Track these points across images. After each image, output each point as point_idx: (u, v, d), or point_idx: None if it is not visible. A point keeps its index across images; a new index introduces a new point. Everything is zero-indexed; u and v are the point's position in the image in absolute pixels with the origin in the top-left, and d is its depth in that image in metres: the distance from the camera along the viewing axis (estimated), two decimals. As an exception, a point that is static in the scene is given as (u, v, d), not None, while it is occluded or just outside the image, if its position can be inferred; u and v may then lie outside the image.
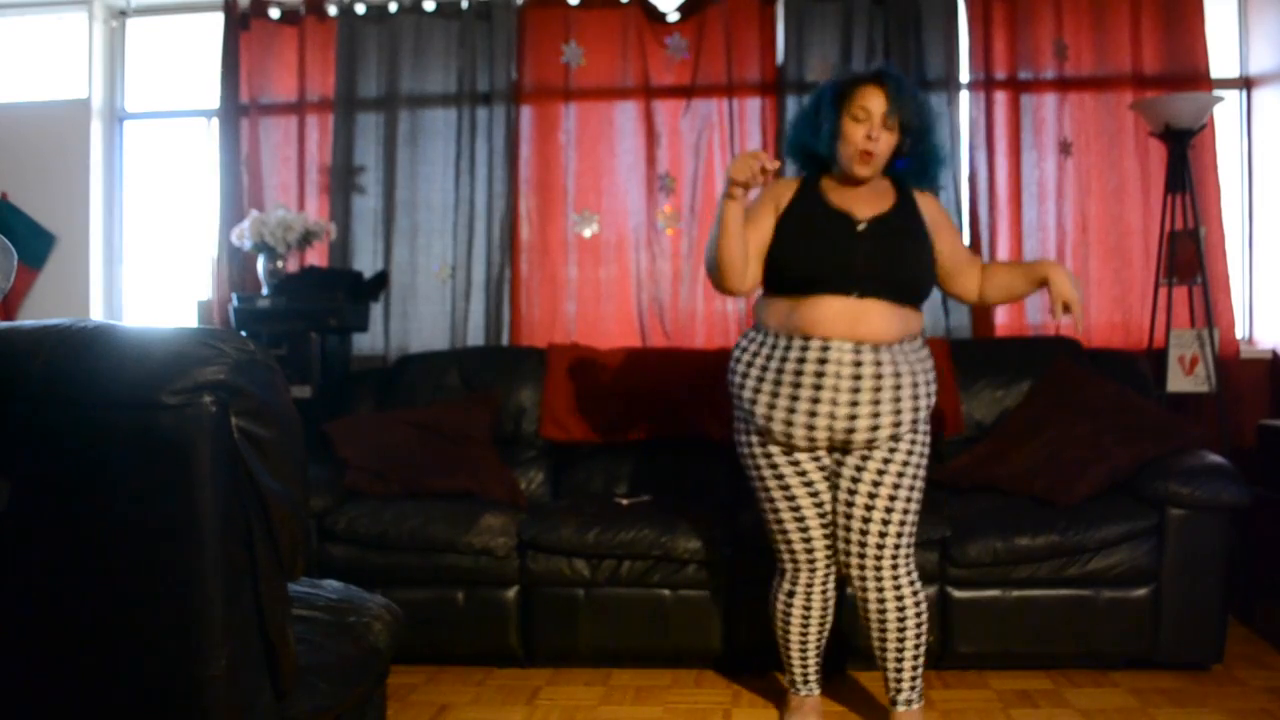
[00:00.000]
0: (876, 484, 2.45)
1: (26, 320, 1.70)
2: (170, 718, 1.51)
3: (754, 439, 2.53)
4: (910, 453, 2.47)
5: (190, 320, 4.29)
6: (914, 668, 2.54)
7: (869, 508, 2.45)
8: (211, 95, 4.47)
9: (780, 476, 2.50)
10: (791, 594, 2.61)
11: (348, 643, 1.86)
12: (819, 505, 2.51)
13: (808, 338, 2.41)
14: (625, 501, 3.43)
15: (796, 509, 2.51)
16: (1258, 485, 3.36)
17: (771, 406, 2.45)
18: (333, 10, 4.36)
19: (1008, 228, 4.12)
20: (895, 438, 2.44)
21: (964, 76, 4.16)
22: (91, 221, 4.50)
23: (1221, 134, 4.11)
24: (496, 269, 4.27)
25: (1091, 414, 3.35)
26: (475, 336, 4.27)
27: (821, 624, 2.63)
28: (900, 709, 2.56)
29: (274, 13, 4.37)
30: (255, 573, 1.56)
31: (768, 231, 2.52)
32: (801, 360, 2.41)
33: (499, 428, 3.79)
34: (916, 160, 2.54)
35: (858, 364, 2.39)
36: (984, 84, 4.11)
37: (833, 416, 2.40)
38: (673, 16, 4.25)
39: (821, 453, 2.49)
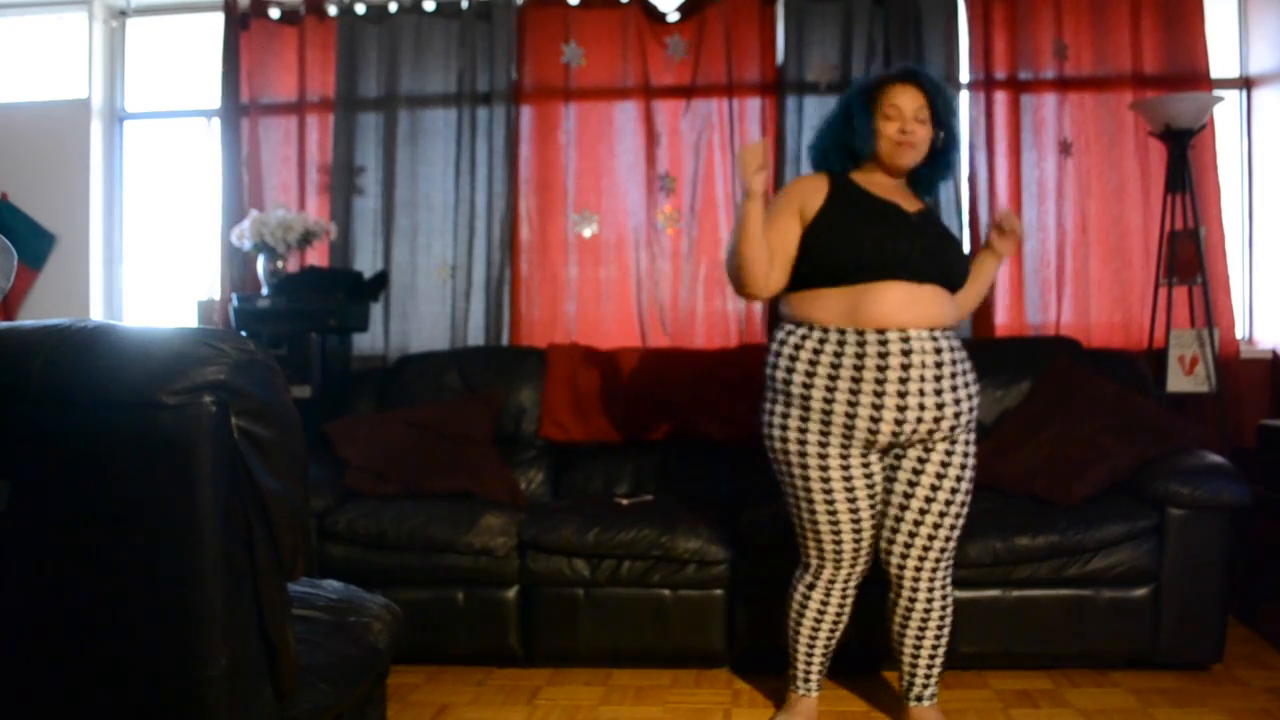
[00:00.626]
0: (938, 481, 2.44)
1: (26, 320, 1.70)
2: (170, 718, 1.51)
3: (805, 433, 2.41)
4: (969, 445, 2.47)
5: (190, 320, 4.29)
6: (929, 665, 2.56)
7: (928, 502, 2.44)
8: (211, 95, 4.47)
9: (825, 471, 2.42)
10: (812, 587, 2.58)
11: (348, 643, 1.86)
12: (853, 505, 2.46)
13: (883, 330, 2.34)
14: (625, 501, 3.43)
15: (832, 505, 2.46)
16: (1258, 485, 3.36)
17: (854, 404, 2.35)
18: (333, 10, 4.36)
19: (1008, 228, 4.11)
20: (969, 428, 2.45)
21: (964, 76, 4.16)
22: (91, 221, 4.50)
23: (1221, 134, 4.11)
24: (496, 269, 4.27)
25: (1091, 414, 3.35)
26: (475, 336, 4.28)
27: (835, 624, 2.61)
28: (925, 704, 2.58)
29: (274, 13, 4.38)
30: (255, 573, 1.56)
31: (792, 236, 2.45)
32: (884, 354, 2.33)
33: (499, 428, 3.79)
34: (942, 156, 2.55)
35: (939, 350, 2.36)
36: (984, 84, 4.12)
37: (921, 409, 2.35)
38: (673, 16, 4.26)
39: (859, 450, 2.42)
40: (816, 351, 2.39)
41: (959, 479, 2.45)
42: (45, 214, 4.44)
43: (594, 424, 3.76)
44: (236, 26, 4.37)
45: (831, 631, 2.62)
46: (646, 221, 4.24)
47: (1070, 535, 2.96)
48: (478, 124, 4.29)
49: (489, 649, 3.18)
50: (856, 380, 2.35)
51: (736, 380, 3.69)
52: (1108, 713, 2.76)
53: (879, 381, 2.34)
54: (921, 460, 2.44)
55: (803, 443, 2.44)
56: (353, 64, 4.35)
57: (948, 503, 2.45)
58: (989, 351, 3.79)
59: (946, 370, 2.37)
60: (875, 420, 2.36)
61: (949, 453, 2.43)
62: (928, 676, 2.57)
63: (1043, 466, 3.22)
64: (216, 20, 4.40)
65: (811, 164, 2.64)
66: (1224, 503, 2.97)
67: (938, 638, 2.53)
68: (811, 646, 2.63)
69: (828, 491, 2.44)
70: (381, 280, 4.21)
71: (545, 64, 4.28)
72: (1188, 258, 3.83)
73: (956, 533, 2.49)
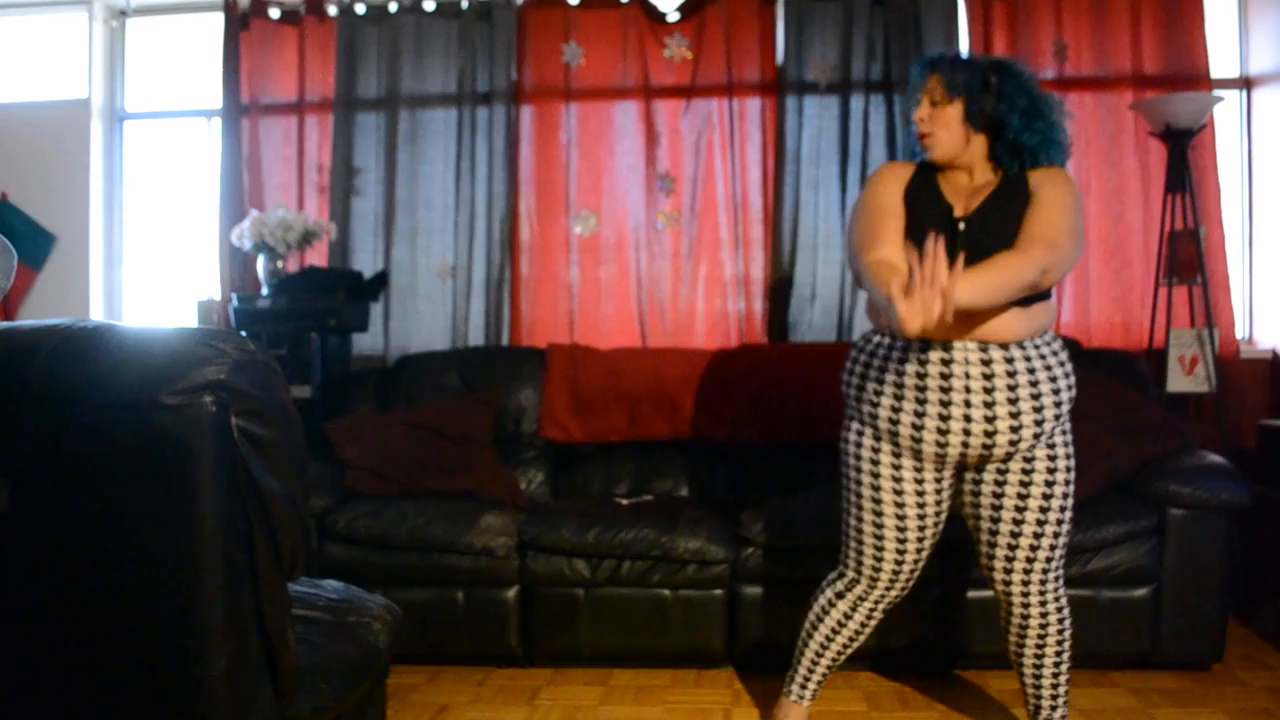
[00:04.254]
0: (1022, 498, 2.27)
1: (26, 320, 1.70)
2: (170, 718, 1.51)
3: (866, 436, 2.33)
4: (1056, 458, 2.27)
5: (190, 320, 4.29)
6: (1054, 684, 2.39)
7: (1019, 516, 2.28)
8: (212, 95, 4.47)
9: (876, 479, 2.32)
10: (840, 595, 2.46)
11: (348, 643, 1.86)
12: (901, 518, 2.33)
13: (927, 344, 2.21)
14: (625, 501, 3.43)
15: (879, 517, 2.34)
16: (1258, 485, 3.36)
17: (897, 410, 2.26)
18: (333, 10, 4.36)
19: (1008, 228, 4.11)
20: (1049, 444, 2.26)
21: (964, 76, 4.15)
22: (91, 221, 4.50)
23: (1221, 134, 4.11)
24: (496, 269, 4.27)
25: (1091, 414, 3.34)
26: (475, 336, 4.28)
27: (850, 641, 2.48)
28: None
29: (274, 13, 4.38)
30: (255, 573, 1.56)
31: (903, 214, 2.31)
32: (924, 364, 2.21)
33: (499, 428, 3.79)
34: (1019, 120, 2.26)
35: (987, 364, 2.19)
36: (984, 84, 4.11)
37: (968, 423, 2.20)
38: (673, 16, 4.25)
39: (931, 468, 2.30)
40: (872, 355, 2.32)
41: (1047, 492, 2.27)
42: (45, 214, 4.44)
43: (594, 424, 3.76)
44: (236, 26, 4.37)
45: (845, 648, 2.50)
46: (646, 221, 4.24)
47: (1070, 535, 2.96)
48: (478, 124, 4.29)
49: (489, 649, 3.18)
50: (900, 386, 2.26)
51: (736, 380, 3.70)
52: (1108, 713, 2.76)
53: (920, 390, 2.23)
54: (1001, 474, 2.28)
55: (859, 446, 2.36)
56: (353, 64, 4.34)
57: (1040, 517, 2.27)
58: (989, 351, 3.80)
59: (1001, 384, 2.19)
60: (917, 432, 2.25)
61: (1028, 468, 2.26)
62: (1054, 696, 2.39)
63: (1043, 466, 3.21)
64: (216, 20, 4.40)
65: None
66: (1224, 503, 2.97)
67: (1059, 654, 2.37)
68: (819, 657, 2.51)
69: (876, 500, 2.33)
70: (381, 280, 4.21)
71: (545, 64, 4.28)
72: (1188, 258, 3.83)
73: (1060, 545, 2.31)
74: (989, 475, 2.30)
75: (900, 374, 2.25)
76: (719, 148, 4.22)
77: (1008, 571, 2.34)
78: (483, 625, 3.16)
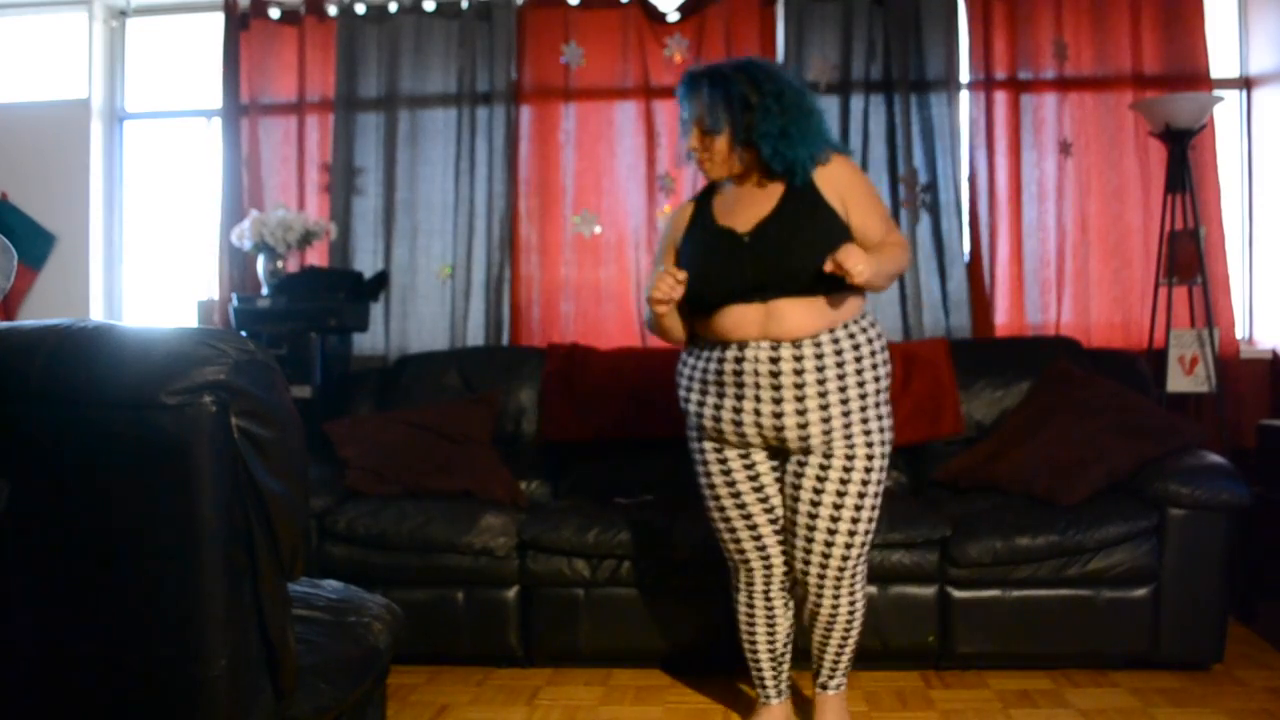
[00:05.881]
0: (818, 491, 2.38)
1: (26, 320, 1.70)
2: (170, 718, 1.52)
3: (702, 440, 2.52)
4: (854, 457, 2.37)
5: (190, 320, 4.29)
6: (834, 660, 2.55)
7: (814, 507, 2.40)
8: (212, 95, 4.47)
9: (728, 472, 2.48)
10: (738, 590, 2.62)
11: (348, 643, 1.86)
12: (767, 506, 2.49)
13: (726, 344, 2.40)
14: (625, 501, 3.43)
15: (743, 506, 2.49)
16: (1258, 485, 3.36)
17: (701, 404, 2.47)
18: (333, 10, 4.36)
19: (1008, 228, 4.12)
20: (846, 439, 2.36)
21: (964, 76, 4.16)
22: (91, 221, 4.50)
23: (1221, 134, 4.11)
24: (496, 269, 4.27)
25: (1091, 414, 3.35)
26: (475, 336, 4.28)
27: (770, 629, 2.61)
28: (829, 693, 2.58)
29: (274, 13, 4.38)
30: (255, 573, 1.56)
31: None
32: (721, 361, 2.40)
33: (499, 428, 3.79)
34: (769, 145, 2.34)
35: (775, 360, 2.34)
36: (984, 84, 4.11)
37: (758, 414, 2.37)
38: (673, 16, 4.26)
39: (760, 454, 2.46)
40: (684, 360, 2.55)
41: (841, 489, 2.37)
42: (45, 214, 4.44)
43: (594, 424, 3.75)
44: (236, 26, 4.37)
45: (770, 637, 2.61)
46: (646, 221, 4.24)
47: (1070, 535, 2.96)
48: (478, 124, 4.29)
49: (489, 649, 3.18)
50: (704, 384, 2.46)
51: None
52: (1108, 713, 2.76)
53: (719, 385, 2.42)
54: (800, 466, 2.41)
55: (701, 450, 2.54)
56: (353, 64, 4.34)
57: (834, 512, 2.38)
58: (989, 351, 3.80)
59: (788, 381, 2.33)
60: (718, 421, 2.44)
61: (825, 464, 2.37)
62: (833, 668, 2.56)
63: (1043, 466, 3.22)
64: (216, 20, 4.40)
65: None
66: (1224, 503, 2.97)
67: (844, 638, 2.52)
68: (754, 653, 2.64)
69: (715, 496, 2.51)
70: (381, 280, 4.21)
71: (545, 64, 4.28)
72: (1188, 258, 3.83)
73: (858, 544, 2.41)
74: (792, 467, 2.44)
75: (704, 373, 2.45)
76: (719, 148, 4.21)
77: (806, 562, 2.46)
78: (483, 625, 3.16)
